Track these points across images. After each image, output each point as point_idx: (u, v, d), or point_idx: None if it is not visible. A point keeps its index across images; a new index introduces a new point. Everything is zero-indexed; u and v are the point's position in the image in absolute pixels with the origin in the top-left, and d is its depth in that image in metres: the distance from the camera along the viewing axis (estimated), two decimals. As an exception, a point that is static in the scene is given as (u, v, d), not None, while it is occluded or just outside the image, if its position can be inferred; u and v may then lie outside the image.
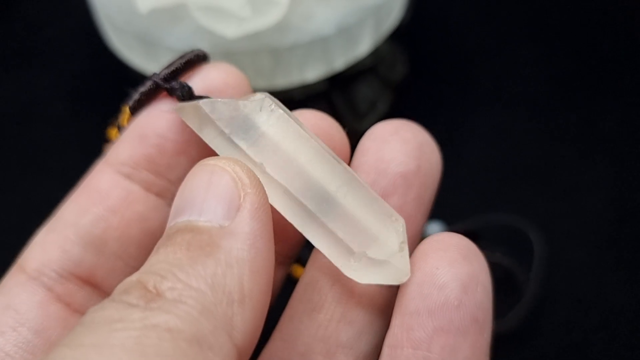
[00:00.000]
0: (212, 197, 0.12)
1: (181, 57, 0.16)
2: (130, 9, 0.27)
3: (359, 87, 0.33)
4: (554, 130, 0.34)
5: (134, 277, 0.12)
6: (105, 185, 0.16)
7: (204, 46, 0.26)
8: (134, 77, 0.34)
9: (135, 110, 0.16)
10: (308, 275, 0.16)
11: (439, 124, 0.35)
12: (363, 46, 0.29)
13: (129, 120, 0.16)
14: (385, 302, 0.15)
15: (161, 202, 0.16)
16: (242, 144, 0.14)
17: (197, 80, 0.16)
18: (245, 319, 0.12)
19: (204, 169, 0.13)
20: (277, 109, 0.14)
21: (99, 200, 0.16)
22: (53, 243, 0.15)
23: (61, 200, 0.32)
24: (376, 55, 0.33)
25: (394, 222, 0.14)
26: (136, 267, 0.15)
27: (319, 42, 0.27)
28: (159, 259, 0.12)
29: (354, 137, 0.36)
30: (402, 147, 0.15)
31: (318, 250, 0.16)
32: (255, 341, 0.12)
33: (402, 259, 0.14)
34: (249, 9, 0.25)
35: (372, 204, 0.14)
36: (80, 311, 0.15)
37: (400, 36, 0.35)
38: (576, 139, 0.34)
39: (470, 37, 0.39)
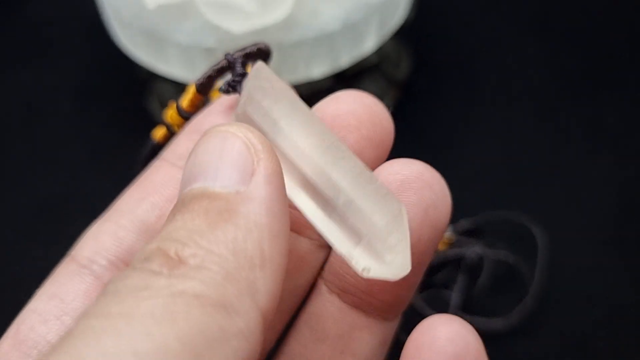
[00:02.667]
0: (226, 162, 0.12)
1: (254, 45, 0.16)
2: (138, 5, 0.27)
3: (364, 84, 0.33)
4: (558, 128, 0.34)
5: (153, 245, 0.12)
6: (161, 177, 0.16)
7: (210, 42, 0.26)
8: (140, 74, 0.34)
9: (202, 87, 0.16)
10: (315, 305, 0.16)
11: (444, 122, 0.35)
12: (368, 43, 0.29)
13: (192, 99, 0.16)
14: (386, 337, 0.16)
15: None
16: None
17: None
18: (267, 283, 0.12)
19: (216, 135, 0.13)
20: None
21: (155, 189, 0.16)
22: (107, 232, 0.15)
23: (67, 195, 0.32)
24: (381, 53, 0.33)
25: (398, 215, 0.14)
26: None
27: (325, 39, 0.27)
28: (177, 226, 0.12)
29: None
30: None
31: (322, 281, 0.16)
32: (277, 304, 0.12)
33: (403, 253, 0.14)
34: (256, 5, 0.25)
35: (378, 195, 0.14)
36: None
37: (405, 34, 0.35)
38: (581, 136, 0.34)
39: (474, 35, 0.39)
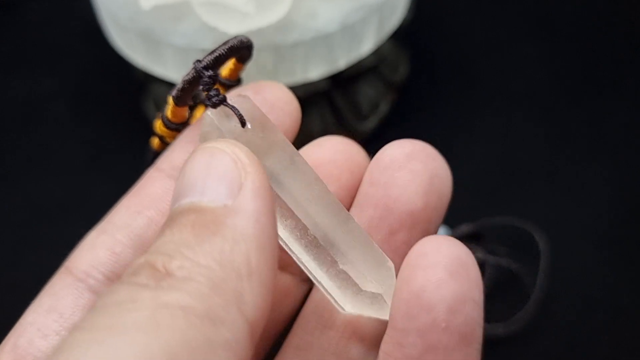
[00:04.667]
0: (213, 178, 0.13)
1: (224, 44, 0.15)
2: (134, 6, 0.27)
3: (361, 87, 0.33)
4: (557, 130, 0.34)
5: (141, 259, 0.12)
6: (158, 189, 0.16)
7: (207, 43, 0.26)
8: (136, 76, 0.34)
9: (179, 99, 0.16)
10: (320, 293, 0.16)
11: (441, 125, 0.35)
12: (366, 45, 0.28)
13: (172, 111, 0.16)
14: None
15: None
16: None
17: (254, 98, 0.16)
18: (255, 294, 0.12)
19: (203, 152, 0.13)
20: (293, 150, 0.15)
21: (151, 203, 0.16)
22: (103, 245, 0.15)
23: (64, 199, 0.32)
24: (378, 55, 0.32)
25: (386, 268, 0.15)
26: None
27: (322, 40, 0.26)
28: (164, 240, 0.12)
29: (356, 138, 0.36)
30: (411, 182, 0.15)
31: None
32: (266, 316, 0.12)
33: (387, 301, 0.14)
34: (253, 6, 0.24)
35: (367, 249, 0.15)
36: None
37: (403, 36, 0.35)
38: (580, 138, 0.33)
39: (472, 37, 0.39)
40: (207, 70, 0.15)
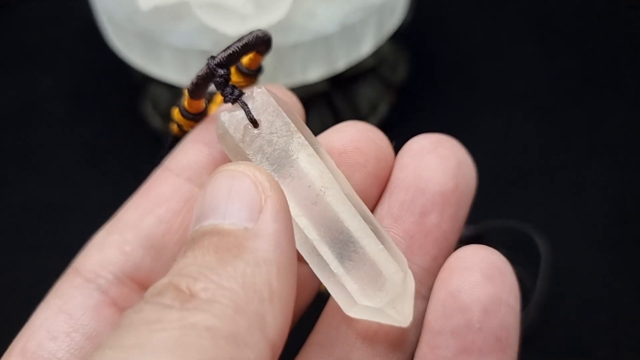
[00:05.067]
0: (234, 200, 0.13)
1: (239, 40, 0.15)
2: (132, 7, 0.26)
3: (360, 88, 0.33)
4: (557, 132, 0.34)
5: (165, 280, 0.12)
6: (167, 188, 0.16)
7: (205, 44, 0.26)
8: (135, 77, 0.34)
9: (193, 93, 0.16)
10: None
11: (441, 125, 0.34)
12: (365, 46, 0.28)
13: (189, 102, 0.16)
14: (420, 317, 0.16)
15: None
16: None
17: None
18: (276, 316, 0.12)
19: (225, 174, 0.13)
20: (308, 147, 0.15)
21: (161, 202, 0.16)
22: (112, 245, 0.16)
23: (61, 200, 0.32)
24: (378, 56, 0.32)
25: (396, 274, 0.14)
26: None
27: (322, 41, 0.26)
28: (187, 262, 0.12)
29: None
30: (440, 165, 0.16)
31: None
32: (286, 337, 0.13)
33: (399, 309, 0.14)
34: (252, 7, 0.24)
35: (381, 255, 0.14)
36: None
37: (402, 37, 0.35)
38: (580, 138, 0.33)
39: (471, 38, 0.39)
40: (221, 68, 0.15)
